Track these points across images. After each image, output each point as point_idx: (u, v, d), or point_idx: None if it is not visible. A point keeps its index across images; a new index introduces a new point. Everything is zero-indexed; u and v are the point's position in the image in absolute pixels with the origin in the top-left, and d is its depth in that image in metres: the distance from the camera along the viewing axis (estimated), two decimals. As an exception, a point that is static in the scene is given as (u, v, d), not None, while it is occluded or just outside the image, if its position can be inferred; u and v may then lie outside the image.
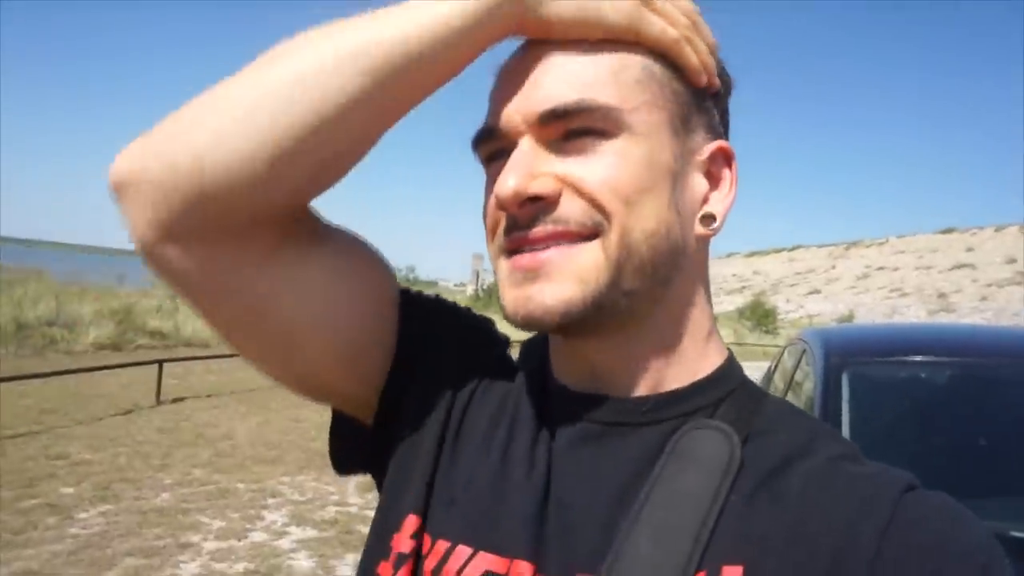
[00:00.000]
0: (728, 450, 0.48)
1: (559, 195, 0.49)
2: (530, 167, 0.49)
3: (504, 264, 0.52)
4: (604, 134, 0.49)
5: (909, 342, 2.70)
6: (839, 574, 0.43)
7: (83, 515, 4.51)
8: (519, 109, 0.50)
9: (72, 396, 8.08)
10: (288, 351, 0.55)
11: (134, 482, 5.26)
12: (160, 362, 8.69)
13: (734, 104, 0.58)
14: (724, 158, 0.55)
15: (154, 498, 4.95)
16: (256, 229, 0.50)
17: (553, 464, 0.52)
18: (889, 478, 0.46)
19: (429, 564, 0.52)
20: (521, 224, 0.49)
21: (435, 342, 0.60)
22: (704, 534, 0.45)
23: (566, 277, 0.48)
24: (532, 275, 0.49)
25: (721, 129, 0.56)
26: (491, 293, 33.30)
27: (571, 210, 0.49)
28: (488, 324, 0.65)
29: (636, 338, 0.52)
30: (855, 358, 2.44)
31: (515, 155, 0.50)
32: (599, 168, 0.48)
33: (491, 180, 0.53)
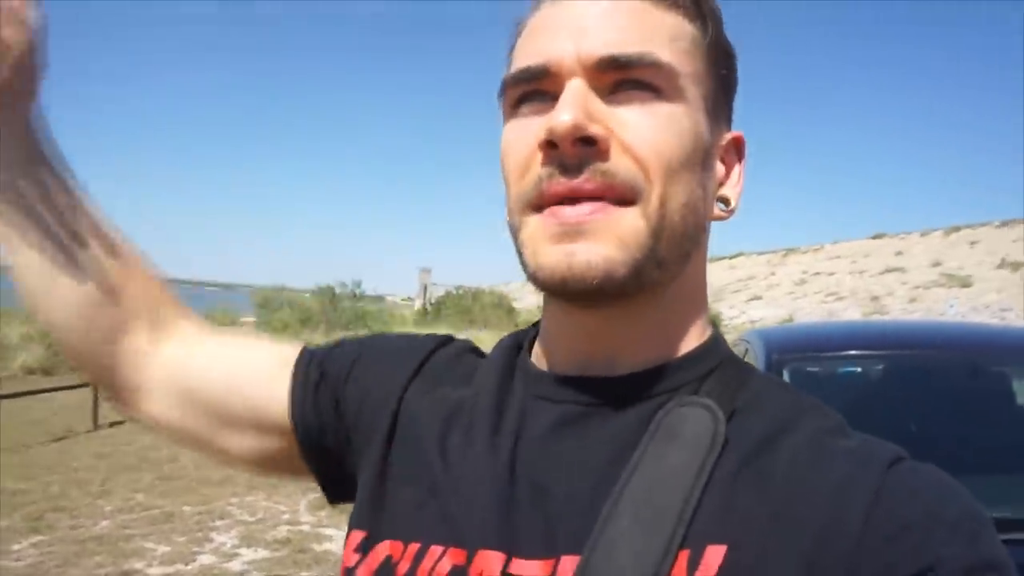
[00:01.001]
0: (712, 426, 0.47)
1: (609, 144, 0.47)
2: (586, 107, 0.47)
3: (536, 219, 0.48)
4: (658, 93, 0.48)
5: (844, 338, 2.83)
6: (825, 552, 0.42)
7: (15, 547, 4.30)
8: (574, 49, 0.48)
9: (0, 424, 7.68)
10: (215, 429, 0.66)
11: (70, 511, 5.03)
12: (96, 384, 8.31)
13: None
14: (737, 149, 0.56)
15: (93, 526, 4.75)
16: (121, 334, 0.66)
17: (528, 450, 0.51)
18: (875, 452, 0.46)
19: (402, 568, 0.50)
20: (569, 166, 0.47)
21: (342, 379, 0.62)
22: (687, 513, 0.44)
23: (610, 239, 0.46)
24: (575, 231, 0.46)
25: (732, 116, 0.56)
26: (439, 307, 32.97)
27: (620, 165, 0.47)
28: (411, 337, 0.65)
29: (647, 313, 0.51)
30: (794, 354, 2.55)
31: (568, 93, 0.47)
32: (650, 129, 0.47)
33: (517, 122, 0.51)
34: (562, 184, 0.47)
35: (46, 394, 8.43)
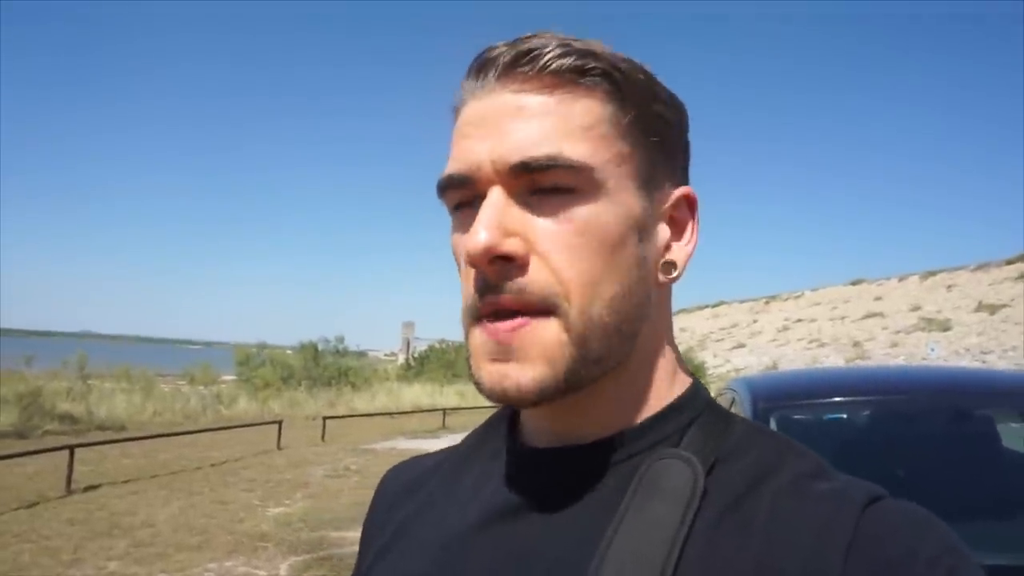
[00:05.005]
0: (692, 478, 0.47)
1: (528, 259, 0.48)
2: (502, 222, 0.47)
3: (477, 332, 0.50)
4: (574, 193, 0.48)
5: (830, 384, 2.83)
6: None
7: (-19, 622, 4.09)
8: (489, 156, 0.48)
9: (-31, 491, 7.41)
10: None
11: (40, 581, 4.82)
12: (71, 447, 8.10)
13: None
14: (688, 204, 0.55)
15: (63, 597, 4.55)
16: None
17: (510, 525, 0.52)
18: (851, 493, 0.46)
19: None
20: (492, 284, 0.48)
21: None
22: (669, 567, 0.44)
23: (536, 357, 0.47)
24: (506, 350, 0.48)
25: (685, 173, 0.56)
26: (422, 361, 32.61)
27: (538, 279, 0.47)
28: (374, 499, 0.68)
29: (606, 390, 0.51)
30: (781, 402, 2.54)
31: (486, 207, 0.48)
32: (567, 239, 0.48)
33: (459, 227, 0.52)
34: (486, 302, 0.48)
35: (19, 458, 8.17)
